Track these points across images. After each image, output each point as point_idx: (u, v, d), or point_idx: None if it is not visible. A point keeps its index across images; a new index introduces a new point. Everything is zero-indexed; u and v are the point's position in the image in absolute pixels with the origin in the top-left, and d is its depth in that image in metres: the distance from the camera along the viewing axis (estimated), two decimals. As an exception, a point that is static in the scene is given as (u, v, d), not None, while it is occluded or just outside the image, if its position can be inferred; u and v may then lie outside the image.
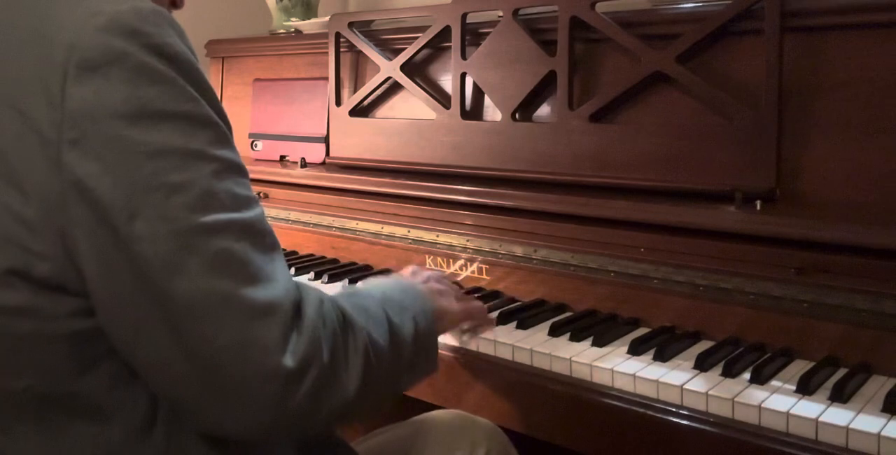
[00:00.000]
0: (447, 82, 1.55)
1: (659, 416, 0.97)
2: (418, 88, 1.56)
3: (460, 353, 1.18)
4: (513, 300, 1.31)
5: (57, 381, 0.70)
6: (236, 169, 0.71)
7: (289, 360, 0.68)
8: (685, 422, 0.95)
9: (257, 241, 0.70)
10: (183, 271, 0.65)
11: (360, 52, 1.69)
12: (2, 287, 0.67)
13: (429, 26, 1.52)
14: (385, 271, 1.48)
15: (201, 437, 0.74)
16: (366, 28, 1.69)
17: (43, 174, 0.65)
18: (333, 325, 0.76)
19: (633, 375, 1.01)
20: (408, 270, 1.13)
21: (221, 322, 0.66)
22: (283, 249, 1.75)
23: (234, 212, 0.69)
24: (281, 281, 0.71)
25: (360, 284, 0.95)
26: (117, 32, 0.66)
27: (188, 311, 0.66)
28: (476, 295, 1.33)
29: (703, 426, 0.94)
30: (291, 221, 1.68)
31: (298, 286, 0.75)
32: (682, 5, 1.28)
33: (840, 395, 0.92)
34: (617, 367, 1.04)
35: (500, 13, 1.43)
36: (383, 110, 1.67)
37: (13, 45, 0.68)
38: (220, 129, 0.71)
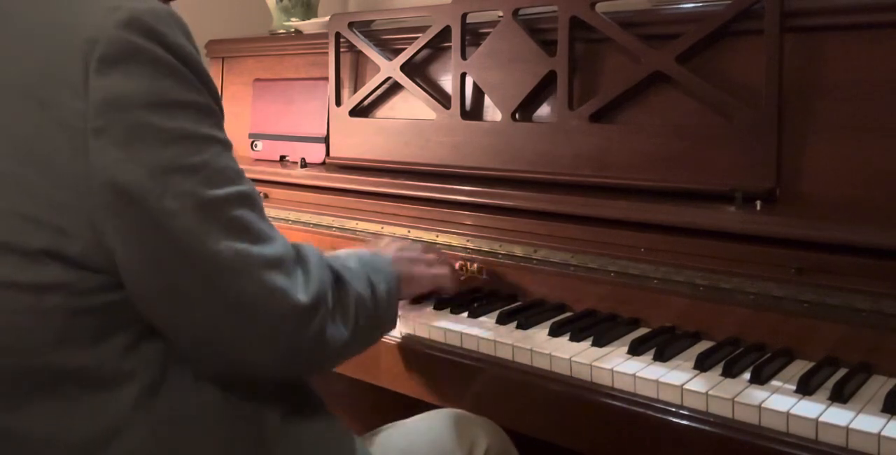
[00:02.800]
0: (447, 82, 1.55)
1: (659, 416, 0.97)
2: (418, 88, 1.56)
3: (461, 353, 1.18)
4: (513, 300, 1.31)
5: (73, 355, 0.75)
6: (230, 147, 0.81)
7: (304, 298, 0.81)
8: (685, 422, 0.95)
9: (256, 206, 0.81)
10: (209, 236, 0.75)
11: (360, 52, 1.69)
12: (36, 265, 0.72)
13: (429, 26, 1.52)
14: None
15: (202, 396, 0.81)
16: (366, 28, 1.69)
17: (70, 161, 0.71)
18: (330, 279, 0.89)
19: (633, 375, 1.01)
20: (384, 241, 1.29)
21: (246, 274, 0.77)
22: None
23: (237, 185, 0.79)
24: (279, 239, 0.83)
25: (338, 251, 1.08)
26: (136, 29, 0.72)
27: (219, 268, 0.76)
28: (476, 295, 1.33)
29: (703, 426, 0.94)
30: (291, 221, 1.68)
31: (295, 244, 0.87)
32: (682, 5, 1.28)
33: (840, 395, 0.92)
34: (617, 367, 1.04)
35: (500, 13, 1.43)
36: (383, 110, 1.67)
37: (33, 38, 0.73)
38: (219, 116, 0.80)
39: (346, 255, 1.03)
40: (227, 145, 0.80)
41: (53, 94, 0.71)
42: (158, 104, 0.73)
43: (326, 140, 1.74)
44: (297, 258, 0.84)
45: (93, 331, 0.75)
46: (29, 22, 0.74)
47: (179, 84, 0.75)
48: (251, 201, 0.81)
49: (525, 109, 1.43)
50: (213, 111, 0.79)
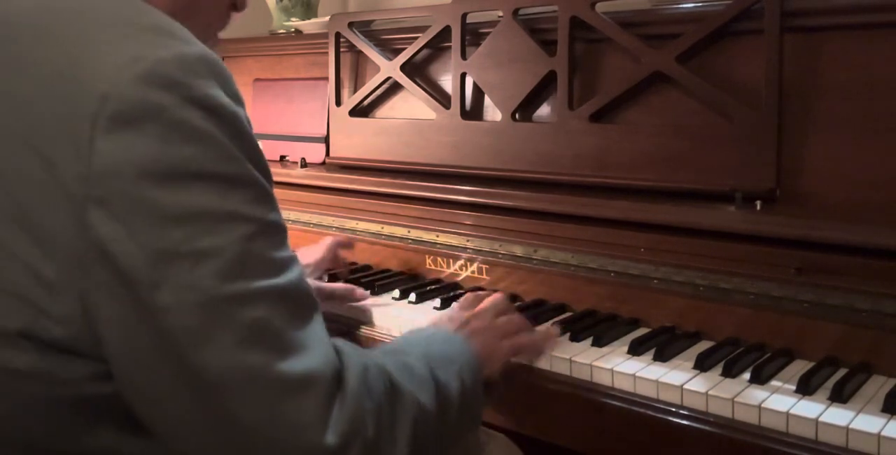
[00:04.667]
0: (447, 82, 1.55)
1: (659, 416, 0.97)
2: (418, 88, 1.56)
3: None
4: (513, 300, 1.31)
5: (62, 441, 0.67)
6: (274, 229, 0.68)
7: (330, 438, 0.64)
8: (685, 422, 0.95)
9: (293, 307, 0.66)
10: (210, 344, 0.61)
11: (360, 52, 1.69)
12: (11, 349, 0.63)
13: (429, 26, 1.52)
14: (385, 271, 1.48)
15: None
16: (366, 28, 1.69)
17: (67, 232, 0.61)
18: (379, 393, 0.71)
19: (633, 375, 1.01)
20: (446, 314, 1.07)
21: (253, 398, 0.62)
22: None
23: (267, 278, 0.65)
24: (319, 349, 0.67)
25: (400, 337, 0.92)
26: (156, 84, 0.62)
27: (216, 386, 0.62)
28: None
29: (703, 426, 0.94)
30: (291, 221, 1.68)
31: (339, 353, 0.70)
32: (682, 5, 1.28)
33: (840, 395, 0.92)
34: (617, 367, 1.03)
35: (500, 13, 1.43)
36: (383, 110, 1.67)
37: (43, 85, 0.64)
38: (260, 188, 0.67)
39: (410, 349, 0.85)
40: (265, 225, 0.66)
41: (58, 153, 0.61)
42: (170, 175, 0.61)
43: (326, 140, 1.74)
44: (334, 374, 0.67)
45: (82, 419, 0.66)
46: (46, 68, 0.64)
47: (202, 151, 0.63)
48: (287, 300, 0.66)
49: (525, 109, 1.43)
50: (248, 182, 0.65)
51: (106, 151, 0.60)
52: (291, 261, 0.68)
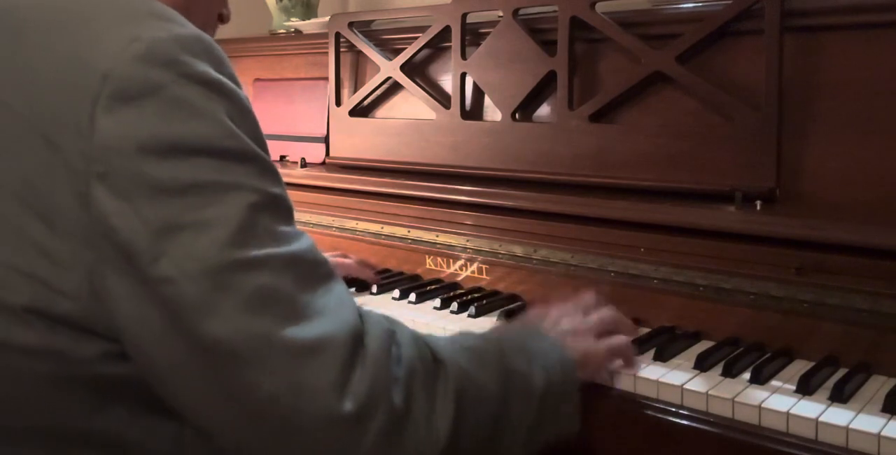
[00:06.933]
0: (447, 82, 1.55)
1: (659, 416, 0.97)
2: (418, 88, 1.56)
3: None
4: (513, 300, 1.31)
5: (71, 419, 0.67)
6: (279, 202, 0.68)
7: (348, 404, 0.63)
8: (685, 422, 0.95)
9: (303, 273, 0.66)
10: (217, 313, 0.61)
11: (360, 52, 1.69)
12: (20, 325, 0.64)
13: (429, 26, 1.52)
14: (385, 271, 1.48)
15: None
16: (366, 28, 1.69)
17: (72, 208, 0.62)
18: (412, 362, 0.70)
19: (633, 375, 1.01)
20: (534, 313, 1.02)
21: (265, 366, 0.62)
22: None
23: (273, 246, 0.65)
24: (336, 315, 0.66)
25: (493, 327, 0.88)
26: (155, 62, 0.63)
27: (227, 355, 0.62)
28: (476, 295, 1.33)
29: (703, 426, 0.94)
30: (291, 221, 1.68)
31: (364, 318, 0.70)
32: (682, 5, 1.28)
33: (840, 395, 0.92)
34: (617, 366, 1.03)
35: (500, 13, 1.43)
36: (383, 110, 1.67)
37: (46, 70, 0.65)
38: (263, 163, 0.68)
39: (484, 335, 0.83)
40: (270, 197, 0.66)
41: (60, 131, 0.63)
42: (170, 150, 0.62)
43: (326, 140, 1.74)
44: (352, 340, 0.66)
45: (93, 399, 0.66)
46: (49, 53, 0.66)
47: (202, 127, 0.64)
48: (296, 266, 0.65)
49: (525, 109, 1.43)
50: (250, 157, 0.66)
51: (106, 128, 0.62)
52: (299, 234, 0.68)
